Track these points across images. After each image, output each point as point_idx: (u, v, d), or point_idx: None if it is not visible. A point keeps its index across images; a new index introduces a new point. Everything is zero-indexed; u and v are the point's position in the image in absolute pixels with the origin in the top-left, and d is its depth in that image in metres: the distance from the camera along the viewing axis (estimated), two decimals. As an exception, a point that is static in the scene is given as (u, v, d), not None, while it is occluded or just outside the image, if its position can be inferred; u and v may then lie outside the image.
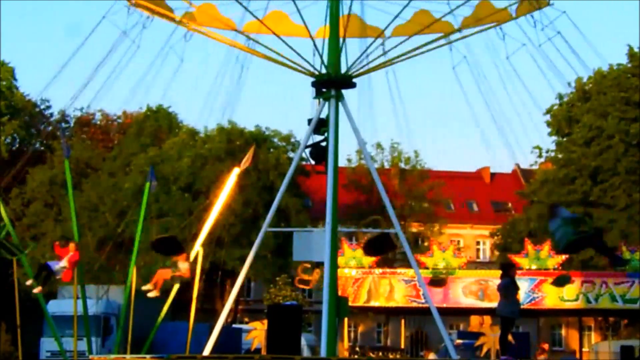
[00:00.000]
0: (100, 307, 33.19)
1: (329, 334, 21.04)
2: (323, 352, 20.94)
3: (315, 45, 22.40)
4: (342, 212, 33.71)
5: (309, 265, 24.16)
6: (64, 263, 22.53)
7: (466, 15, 22.82)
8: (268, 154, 50.68)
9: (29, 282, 23.20)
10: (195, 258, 25.02)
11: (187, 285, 27.27)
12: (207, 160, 50.04)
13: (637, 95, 48.98)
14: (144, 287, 23.77)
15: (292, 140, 52.15)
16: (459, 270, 42.46)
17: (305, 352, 36.09)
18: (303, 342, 31.46)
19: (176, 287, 25.53)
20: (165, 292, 26.45)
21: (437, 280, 41.15)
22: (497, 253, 61.51)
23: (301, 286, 26.66)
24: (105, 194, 49.24)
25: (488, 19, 22.63)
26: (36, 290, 23.22)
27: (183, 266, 23.25)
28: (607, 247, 18.54)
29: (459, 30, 23.02)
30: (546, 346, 39.96)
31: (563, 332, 65.38)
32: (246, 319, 50.80)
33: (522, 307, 20.20)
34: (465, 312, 47.03)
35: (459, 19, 22.99)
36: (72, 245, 22.80)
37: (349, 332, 55.36)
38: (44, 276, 23.14)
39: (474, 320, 54.45)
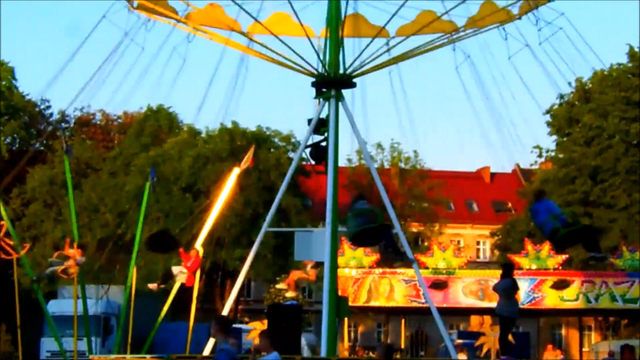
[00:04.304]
0: (100, 307, 33.18)
1: (329, 334, 21.04)
2: (323, 352, 20.94)
3: (313, 45, 22.42)
4: (342, 212, 33.68)
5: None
6: (184, 268, 23.24)
7: (468, 15, 22.84)
8: (268, 154, 50.70)
9: (152, 286, 23.94)
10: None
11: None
12: (208, 160, 50.05)
13: (638, 95, 48.97)
14: (278, 286, 24.29)
15: (293, 140, 52.19)
16: (459, 270, 42.44)
17: (305, 352, 36.07)
18: (303, 342, 31.43)
19: (176, 287, 25.56)
20: (165, 292, 26.49)
21: (438, 283, 41.19)
22: (497, 253, 61.52)
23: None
24: (105, 194, 49.25)
25: (488, 19, 22.65)
26: (152, 286, 23.81)
27: (311, 270, 23.47)
28: (393, 240, 19.02)
29: (459, 30, 23.04)
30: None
31: (563, 332, 65.37)
32: (246, 319, 50.79)
33: (522, 307, 20.21)
34: (465, 312, 46.99)
35: (460, 19, 23.03)
36: (193, 252, 23.38)
37: (349, 332, 55.38)
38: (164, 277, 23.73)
39: (474, 320, 54.42)
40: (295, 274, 23.81)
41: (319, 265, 24.25)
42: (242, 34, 23.06)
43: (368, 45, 22.60)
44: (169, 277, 23.91)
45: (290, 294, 24.19)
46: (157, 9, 22.20)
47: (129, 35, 21.70)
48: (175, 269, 23.76)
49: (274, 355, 11.99)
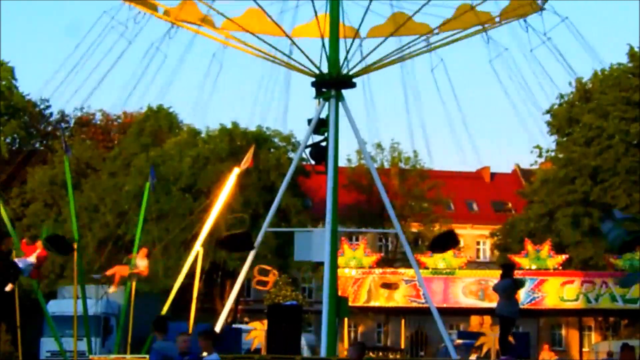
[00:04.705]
0: (100, 307, 33.16)
1: (329, 334, 21.05)
2: (323, 352, 20.95)
3: (323, 46, 22.42)
4: (342, 212, 33.70)
5: (267, 267, 24.31)
6: (32, 259, 22.60)
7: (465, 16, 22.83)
8: (269, 154, 50.69)
9: (8, 288, 23.00)
10: (197, 257, 25.02)
11: (187, 285, 27.30)
12: (208, 160, 50.03)
13: (638, 95, 48.95)
14: (94, 275, 23.83)
15: (293, 140, 52.17)
16: (459, 270, 42.43)
17: (305, 352, 36.07)
18: (303, 342, 31.43)
19: (176, 287, 25.57)
20: (165, 292, 26.48)
21: (388, 284, 41.17)
22: (497, 253, 61.48)
23: (259, 287, 26.74)
24: (105, 194, 49.23)
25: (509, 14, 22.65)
26: (8, 288, 23.08)
27: (142, 263, 23.19)
28: None
29: (448, 31, 23.08)
30: None
31: (563, 332, 65.35)
32: (246, 319, 50.77)
33: (522, 307, 20.18)
34: (465, 312, 47.01)
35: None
36: (39, 243, 22.91)
37: (349, 332, 55.33)
38: (12, 274, 22.95)
39: (474, 320, 54.40)
40: (121, 270, 23.66)
41: (150, 257, 24.07)
42: (246, 31, 23.00)
43: (377, 47, 22.63)
44: (16, 273, 23.31)
45: (112, 290, 24.04)
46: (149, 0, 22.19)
47: (123, 30, 21.73)
48: (19, 262, 23.13)
49: (214, 356, 12.05)
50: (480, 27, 22.67)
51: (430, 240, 24.11)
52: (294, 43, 22.65)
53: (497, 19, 22.64)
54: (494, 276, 38.04)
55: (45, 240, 22.92)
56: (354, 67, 22.62)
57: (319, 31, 22.56)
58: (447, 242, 23.30)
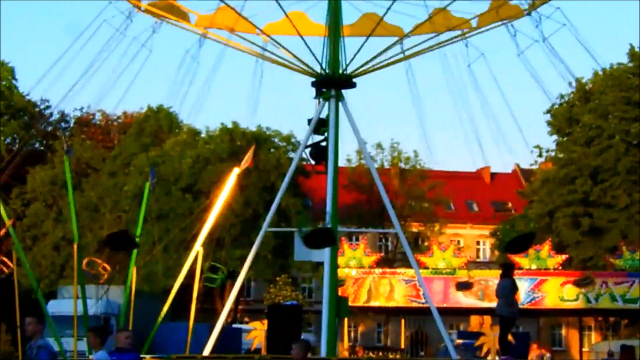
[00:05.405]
0: (100, 307, 33.14)
1: (329, 334, 21.06)
2: (323, 352, 20.96)
3: (307, 46, 22.43)
4: (342, 212, 33.69)
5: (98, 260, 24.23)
6: None
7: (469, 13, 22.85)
8: (269, 154, 50.68)
9: None
10: (197, 257, 25.01)
11: (187, 285, 27.32)
12: (208, 160, 50.02)
13: (638, 95, 48.98)
14: None
15: (293, 140, 52.15)
16: (459, 270, 42.45)
17: (305, 352, 36.02)
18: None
19: (176, 287, 25.57)
20: (165, 292, 26.49)
21: (465, 284, 40.94)
22: (497, 253, 61.52)
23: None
24: (105, 194, 49.24)
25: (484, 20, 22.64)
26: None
27: None
28: None
29: (458, 29, 23.07)
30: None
31: (563, 332, 65.36)
32: (246, 319, 50.78)
33: (522, 307, 20.18)
34: (465, 312, 47.03)
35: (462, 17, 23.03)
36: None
37: (349, 332, 55.38)
38: None
39: (474, 320, 54.44)
40: None
41: None
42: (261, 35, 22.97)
43: (381, 49, 22.63)
44: None
45: None
46: (163, 13, 22.23)
47: (132, 38, 21.73)
48: None
49: (101, 353, 12.22)
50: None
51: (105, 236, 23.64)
52: (283, 46, 22.63)
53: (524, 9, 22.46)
54: (494, 276, 38.09)
55: (106, 239, 22.93)
56: (354, 67, 22.62)
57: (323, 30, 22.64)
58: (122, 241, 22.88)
